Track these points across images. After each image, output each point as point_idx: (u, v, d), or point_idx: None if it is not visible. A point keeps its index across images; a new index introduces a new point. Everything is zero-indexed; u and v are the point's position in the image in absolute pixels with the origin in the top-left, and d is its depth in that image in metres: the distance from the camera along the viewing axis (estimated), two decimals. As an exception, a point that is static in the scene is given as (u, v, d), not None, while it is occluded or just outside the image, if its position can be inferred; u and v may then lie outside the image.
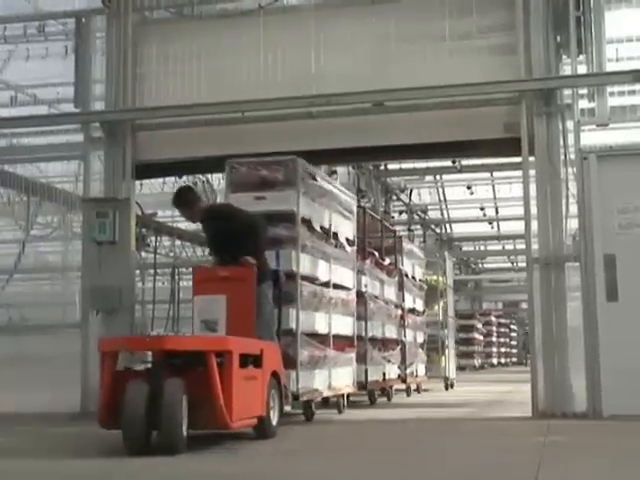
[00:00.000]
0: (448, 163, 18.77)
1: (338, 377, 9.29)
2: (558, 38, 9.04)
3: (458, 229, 29.38)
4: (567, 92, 8.96)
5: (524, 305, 31.81)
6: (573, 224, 8.70)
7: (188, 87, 9.77)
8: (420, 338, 14.80)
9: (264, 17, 9.68)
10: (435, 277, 16.89)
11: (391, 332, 12.41)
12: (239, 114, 9.44)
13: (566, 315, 8.59)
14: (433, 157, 15.04)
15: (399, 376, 12.80)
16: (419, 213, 25.53)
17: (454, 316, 18.03)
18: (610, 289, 8.35)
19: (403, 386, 13.45)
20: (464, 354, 31.47)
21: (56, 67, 10.72)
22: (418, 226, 26.04)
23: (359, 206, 11.11)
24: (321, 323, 8.97)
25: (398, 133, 9.38)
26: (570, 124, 8.81)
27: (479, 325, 33.12)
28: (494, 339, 35.14)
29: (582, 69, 8.88)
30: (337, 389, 9.31)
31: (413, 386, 14.09)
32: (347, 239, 10.02)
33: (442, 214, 27.32)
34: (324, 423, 8.51)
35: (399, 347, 12.80)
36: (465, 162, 18.84)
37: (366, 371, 10.60)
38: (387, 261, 12.56)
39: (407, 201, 23.64)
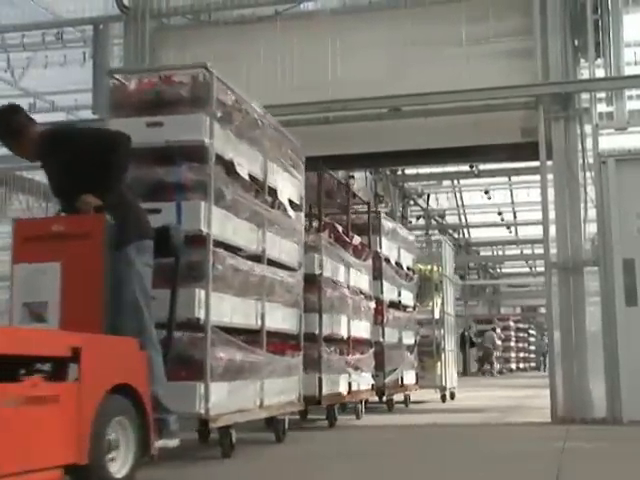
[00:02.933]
0: (466, 168, 18.76)
1: (275, 391, 6.68)
2: (576, 42, 9.01)
3: (476, 234, 29.32)
4: (585, 96, 8.92)
5: (543, 310, 31.68)
6: (592, 228, 8.66)
7: (205, 93, 9.78)
8: (409, 339, 12.07)
9: (281, 23, 9.70)
10: (429, 266, 13.86)
11: (361, 330, 9.56)
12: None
13: (585, 320, 8.55)
14: (450, 162, 15.04)
15: (373, 387, 10.02)
16: (437, 218, 25.51)
17: (454, 313, 14.98)
18: (629, 293, 8.30)
19: (396, 398, 11.36)
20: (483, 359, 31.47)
21: (74, 74, 10.79)
22: (436, 231, 26.02)
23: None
24: (249, 314, 6.32)
25: (415, 138, 9.37)
26: (588, 128, 8.77)
27: (497, 330, 33.03)
28: (512, 344, 35.03)
29: (600, 73, 8.85)
30: (273, 407, 6.68)
31: (398, 398, 11.54)
32: (291, 202, 7.38)
33: (460, 219, 27.28)
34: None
35: (372, 350, 9.90)
36: (483, 167, 18.81)
37: (320, 381, 7.93)
38: (357, 240, 9.75)
39: (425, 206, 23.63)
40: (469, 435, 7.98)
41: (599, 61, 8.85)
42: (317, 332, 8.09)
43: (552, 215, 8.78)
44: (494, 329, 32.55)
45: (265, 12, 9.92)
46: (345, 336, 9.00)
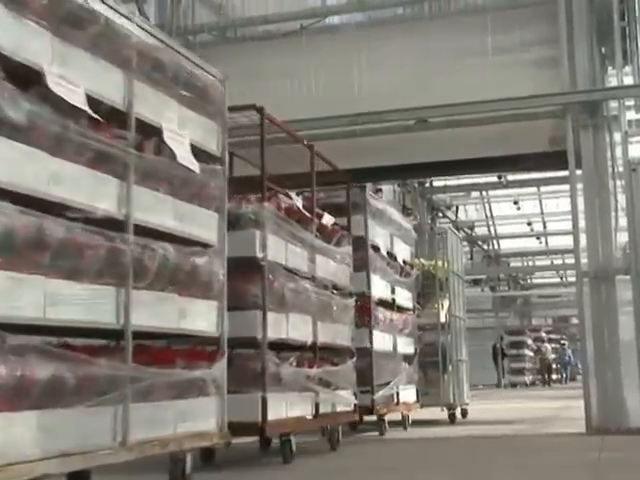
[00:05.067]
0: (494, 179, 18.72)
1: (158, 420, 4.47)
2: (603, 49, 8.98)
3: (505, 245, 29.21)
4: (613, 104, 8.87)
5: (575, 320, 31.48)
6: (623, 237, 8.59)
7: (232, 109, 9.83)
8: (407, 347, 9.92)
9: (306, 37, 9.75)
10: (432, 262, 11.61)
11: (334, 335, 7.31)
12: (283, 134, 9.48)
13: (618, 329, 8.47)
14: (478, 173, 15.00)
15: (356, 406, 7.79)
16: (466, 230, 25.45)
17: (464, 315, 12.21)
18: (663, 302, 8.21)
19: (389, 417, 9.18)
20: (515, 371, 31.28)
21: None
22: (465, 243, 25.97)
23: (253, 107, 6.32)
24: (100, 308, 4.04)
25: (442, 149, 9.36)
26: (617, 136, 8.72)
27: (529, 341, 32.84)
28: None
29: (628, 80, 8.80)
30: (153, 444, 4.39)
31: (393, 417, 9.47)
32: (198, 148, 5.08)
33: (489, 230, 27.21)
34: None
35: (353, 360, 7.68)
36: (511, 177, 18.75)
37: (264, 402, 5.87)
38: (328, 219, 7.59)
39: (453, 218, 23.58)
40: (501, 446, 7.90)
41: (627, 68, 8.80)
42: (259, 336, 5.97)
43: (582, 224, 8.71)
44: (546, 340, 33.10)
45: (290, 27, 9.97)
46: (308, 342, 6.78)
